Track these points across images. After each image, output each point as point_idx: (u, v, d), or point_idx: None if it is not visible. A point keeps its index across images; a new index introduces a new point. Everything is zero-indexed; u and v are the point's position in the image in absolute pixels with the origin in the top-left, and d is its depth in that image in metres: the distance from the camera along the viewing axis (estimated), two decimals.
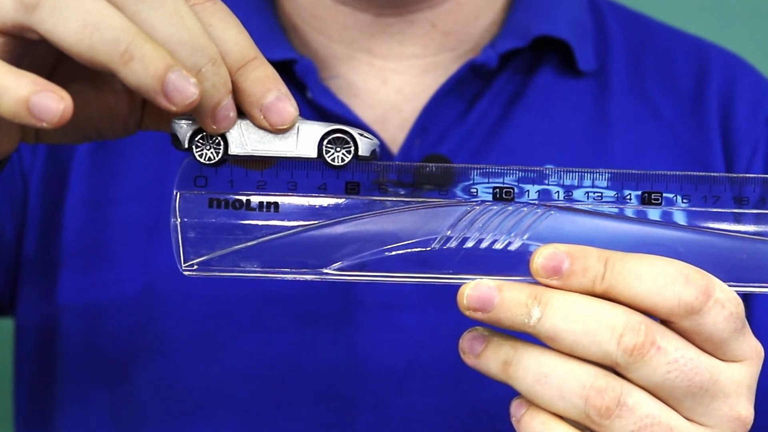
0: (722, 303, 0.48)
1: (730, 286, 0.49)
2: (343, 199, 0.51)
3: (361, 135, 0.51)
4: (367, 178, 0.51)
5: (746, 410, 0.51)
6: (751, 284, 0.51)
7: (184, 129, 0.50)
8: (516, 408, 0.50)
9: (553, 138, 0.77)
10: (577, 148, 0.76)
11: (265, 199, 0.51)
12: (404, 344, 0.72)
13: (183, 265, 0.51)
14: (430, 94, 0.76)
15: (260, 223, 0.51)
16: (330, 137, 0.50)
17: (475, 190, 0.51)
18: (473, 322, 0.50)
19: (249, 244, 0.51)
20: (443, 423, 0.72)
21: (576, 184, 0.51)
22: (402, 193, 0.52)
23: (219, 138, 0.50)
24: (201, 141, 0.50)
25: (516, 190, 0.51)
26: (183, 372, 0.72)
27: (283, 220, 0.51)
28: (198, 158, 0.50)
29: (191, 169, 0.51)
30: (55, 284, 0.75)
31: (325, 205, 0.51)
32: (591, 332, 0.48)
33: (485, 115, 0.76)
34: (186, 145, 0.50)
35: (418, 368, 0.72)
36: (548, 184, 0.51)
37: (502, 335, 0.50)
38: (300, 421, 0.72)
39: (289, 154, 0.50)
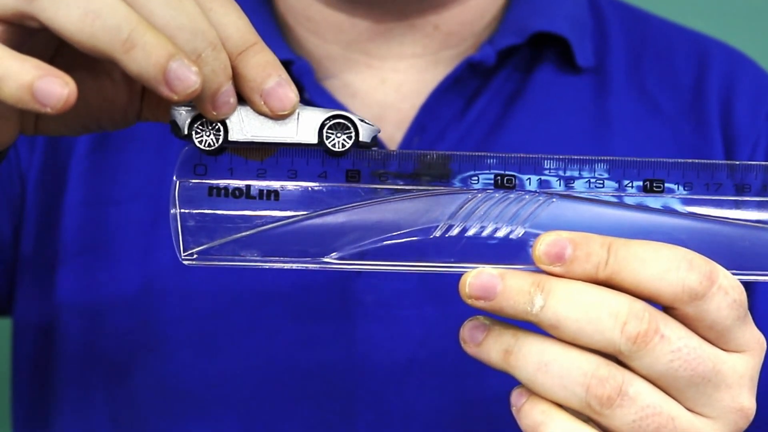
0: (726, 290, 0.48)
1: (732, 274, 0.49)
2: (343, 188, 0.51)
3: (362, 121, 0.50)
4: (368, 166, 0.51)
5: (748, 401, 0.50)
6: (753, 272, 0.51)
7: (183, 116, 0.49)
8: (516, 397, 0.50)
9: (553, 135, 0.76)
10: (577, 145, 0.76)
11: (265, 187, 0.51)
12: (403, 342, 0.72)
13: (182, 255, 0.51)
14: (429, 92, 0.75)
15: (260, 211, 0.51)
16: (330, 123, 0.50)
17: (475, 180, 0.51)
18: (480, 315, 0.50)
19: (249, 232, 0.51)
20: (442, 420, 0.72)
21: (578, 173, 0.51)
22: (401, 183, 0.51)
23: (219, 124, 0.49)
24: (201, 127, 0.49)
25: (516, 180, 0.51)
26: (182, 371, 0.72)
27: (283, 208, 0.51)
28: (198, 144, 0.49)
29: (191, 158, 0.51)
30: (53, 283, 0.75)
31: (326, 192, 0.51)
32: (594, 320, 0.47)
33: (484, 113, 0.76)
34: (185, 132, 0.49)
35: (418, 366, 0.72)
36: (548, 175, 0.51)
37: (503, 324, 0.50)
38: (299, 419, 0.72)
39: (289, 140, 0.49)
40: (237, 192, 0.51)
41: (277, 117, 0.49)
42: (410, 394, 0.72)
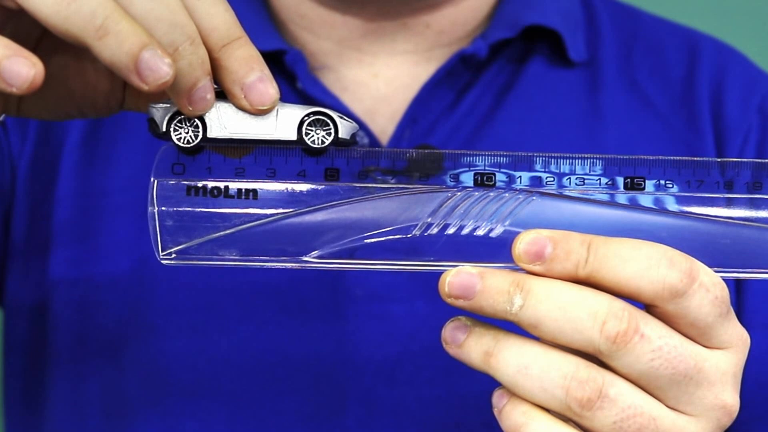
0: (707, 287, 0.48)
1: (714, 271, 0.49)
2: (322, 186, 0.51)
3: (341, 118, 0.50)
4: (347, 164, 0.51)
5: (731, 398, 0.50)
6: (735, 270, 0.50)
7: (160, 112, 0.49)
8: (497, 398, 0.50)
9: (545, 128, 0.76)
10: (570, 138, 0.76)
11: (244, 186, 0.51)
12: (394, 336, 0.72)
13: (161, 254, 0.51)
14: (420, 86, 0.75)
15: (238, 210, 0.50)
16: (310, 119, 0.50)
17: (457, 178, 0.51)
18: (461, 314, 0.50)
19: (227, 231, 0.50)
20: (432, 415, 0.72)
21: (559, 170, 0.51)
22: (392, 180, 0.51)
23: (197, 121, 0.49)
24: (179, 124, 0.49)
25: (505, 177, 0.51)
26: (171, 361, 0.72)
27: (261, 207, 0.51)
28: (176, 141, 0.49)
29: (169, 157, 0.51)
30: (44, 273, 0.75)
31: (305, 191, 0.51)
32: (573, 320, 0.47)
33: (476, 106, 0.76)
34: (163, 129, 0.49)
35: (408, 360, 0.71)
36: (536, 170, 0.51)
37: (484, 325, 0.49)
38: (289, 413, 0.72)
39: (268, 137, 0.49)
40: (215, 191, 0.50)
41: (257, 112, 0.49)
42: (400, 388, 0.71)
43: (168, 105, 0.49)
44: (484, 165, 0.51)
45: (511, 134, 0.75)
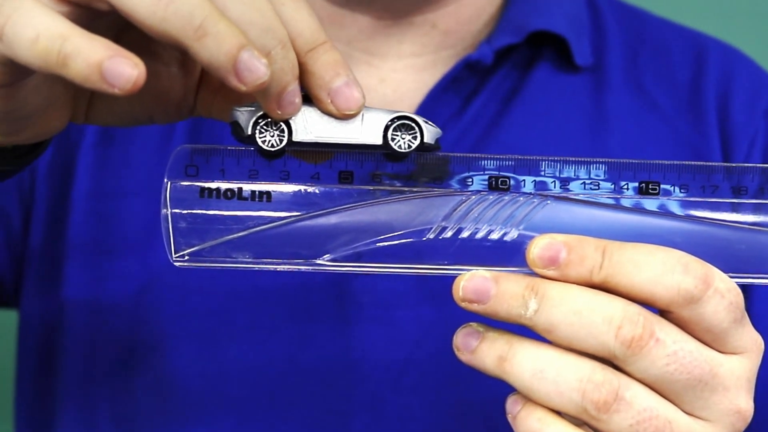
0: (722, 293, 0.48)
1: (729, 276, 0.48)
2: (336, 189, 0.51)
3: (426, 122, 0.50)
4: (361, 167, 0.51)
5: (746, 404, 0.50)
6: (749, 275, 0.50)
7: (246, 116, 0.49)
8: (512, 404, 0.50)
9: (551, 134, 0.76)
10: (576, 143, 0.76)
11: (257, 188, 0.50)
12: (400, 343, 0.71)
13: (174, 256, 0.50)
14: (427, 92, 0.75)
15: (252, 213, 0.50)
16: (395, 124, 0.49)
17: (470, 181, 0.51)
18: (469, 320, 0.50)
19: (240, 234, 0.50)
20: (439, 422, 0.71)
21: (573, 174, 0.51)
22: (398, 185, 0.51)
23: (282, 125, 0.49)
24: (264, 127, 0.49)
25: (512, 181, 0.51)
26: (180, 368, 0.72)
27: (275, 209, 0.50)
28: (261, 145, 0.49)
29: (182, 158, 0.50)
30: (59, 277, 0.74)
31: (318, 194, 0.50)
32: (588, 324, 0.47)
33: (482, 112, 0.76)
34: (249, 132, 0.48)
35: (414, 367, 0.71)
36: (544, 175, 0.51)
37: (497, 330, 0.49)
38: (295, 420, 0.71)
39: (353, 141, 0.49)
40: (229, 193, 0.50)
41: (343, 117, 0.49)
42: (407, 395, 0.71)
43: (253, 108, 0.49)
44: (494, 168, 0.51)
45: (517, 140, 0.75)
